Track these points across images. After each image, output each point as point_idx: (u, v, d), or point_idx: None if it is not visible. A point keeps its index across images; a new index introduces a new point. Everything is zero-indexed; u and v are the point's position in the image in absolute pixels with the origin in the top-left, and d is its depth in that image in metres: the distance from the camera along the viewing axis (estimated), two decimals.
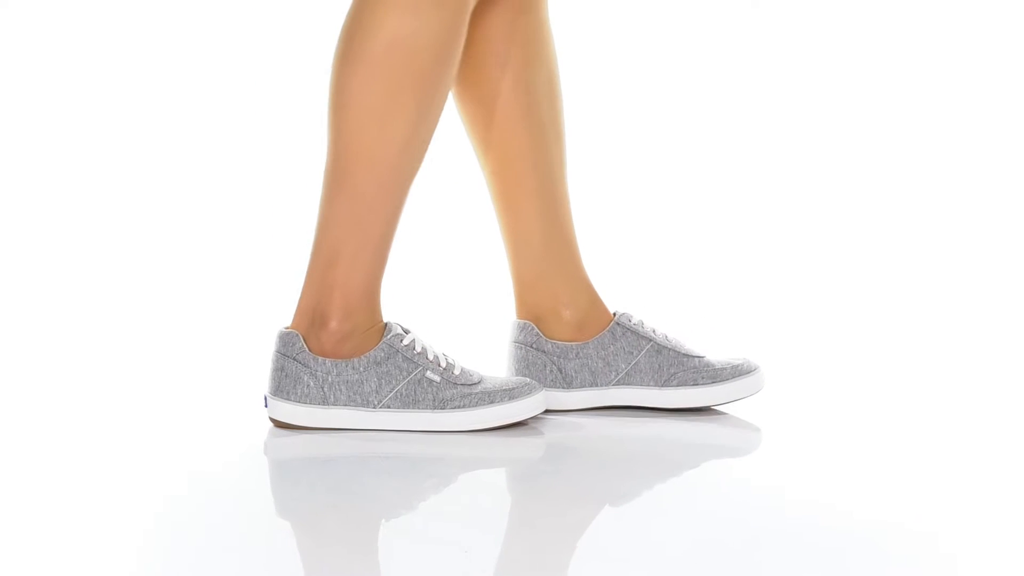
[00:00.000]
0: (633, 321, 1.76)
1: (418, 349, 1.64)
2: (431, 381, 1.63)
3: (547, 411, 1.74)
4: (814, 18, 3.00)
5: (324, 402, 1.63)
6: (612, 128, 2.91)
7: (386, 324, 1.65)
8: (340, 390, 1.62)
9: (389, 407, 1.63)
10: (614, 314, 1.77)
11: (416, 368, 1.63)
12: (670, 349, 1.75)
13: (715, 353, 1.84)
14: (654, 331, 1.76)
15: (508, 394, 1.64)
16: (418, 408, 1.63)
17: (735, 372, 1.74)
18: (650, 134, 2.95)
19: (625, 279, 2.19)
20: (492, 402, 1.64)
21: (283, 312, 1.73)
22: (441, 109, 1.63)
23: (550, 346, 1.75)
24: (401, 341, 1.64)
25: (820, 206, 2.90)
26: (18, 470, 1.52)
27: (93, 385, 1.94)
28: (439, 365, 1.64)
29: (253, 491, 1.44)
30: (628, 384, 1.75)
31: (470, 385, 1.64)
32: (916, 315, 2.48)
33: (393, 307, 1.73)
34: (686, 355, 1.75)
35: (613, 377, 1.75)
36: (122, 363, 2.09)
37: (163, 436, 1.66)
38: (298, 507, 1.39)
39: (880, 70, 2.98)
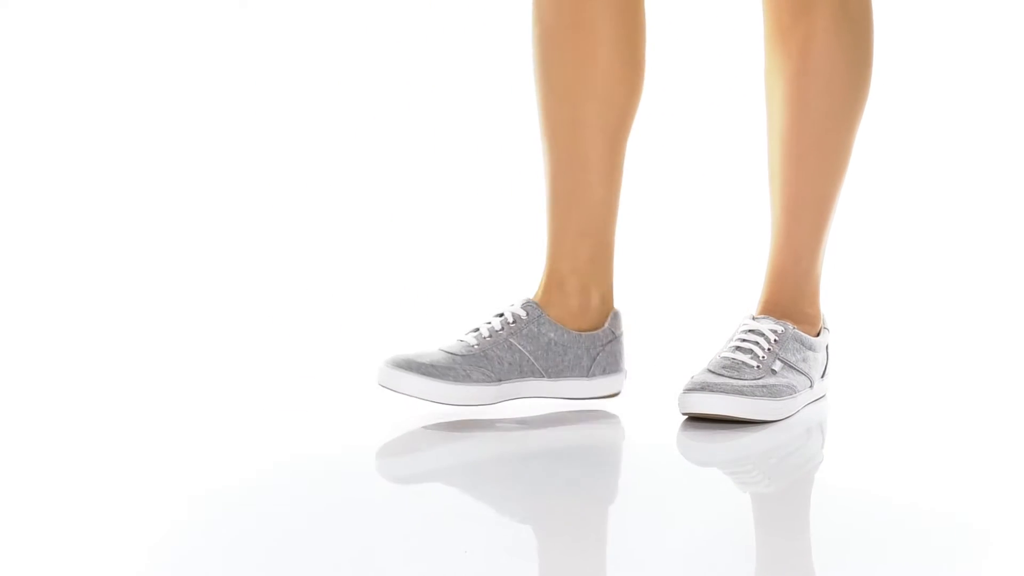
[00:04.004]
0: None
1: None
2: None
3: None
4: None
5: None
6: None
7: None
8: None
9: None
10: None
11: None
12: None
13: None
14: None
15: None
16: None
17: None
18: (647, 138, 2.94)
19: (633, 279, 2.19)
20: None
21: (279, 312, 1.72)
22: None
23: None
24: None
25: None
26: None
27: (95, 386, 1.94)
28: None
29: (253, 493, 1.43)
30: None
31: None
32: (924, 317, 2.48)
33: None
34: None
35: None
36: (123, 363, 2.09)
37: (165, 438, 1.66)
38: (295, 507, 1.39)
39: (882, 70, 2.97)
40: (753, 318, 1.75)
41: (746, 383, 1.66)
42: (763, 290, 1.79)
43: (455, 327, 1.76)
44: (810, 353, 1.75)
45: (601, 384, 1.74)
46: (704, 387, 1.65)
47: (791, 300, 1.77)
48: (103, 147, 2.91)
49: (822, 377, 1.78)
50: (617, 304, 1.77)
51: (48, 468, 1.51)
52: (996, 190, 2.89)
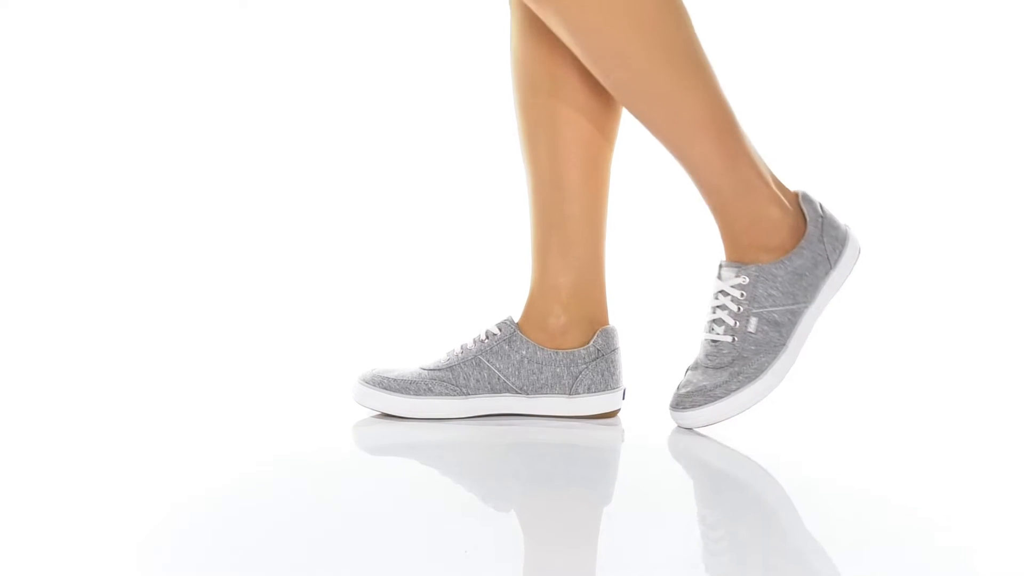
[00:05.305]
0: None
1: None
2: None
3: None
4: (815, 18, 3.00)
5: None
6: None
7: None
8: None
9: None
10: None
11: None
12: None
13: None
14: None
15: None
16: None
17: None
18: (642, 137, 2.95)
19: (629, 278, 2.20)
20: None
21: (278, 312, 1.73)
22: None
23: None
24: None
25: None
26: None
27: (97, 387, 1.94)
28: None
29: (251, 492, 1.44)
30: None
31: None
32: (922, 316, 2.48)
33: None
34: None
35: None
36: (115, 365, 2.09)
37: (168, 439, 1.66)
38: (296, 506, 1.39)
39: (881, 71, 2.98)
40: (720, 270, 1.68)
41: (720, 384, 1.64)
42: (718, 230, 1.70)
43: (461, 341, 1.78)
44: (793, 276, 1.66)
45: (585, 403, 1.72)
46: (683, 405, 1.66)
47: (744, 224, 1.67)
48: (98, 146, 2.91)
49: (842, 252, 1.69)
50: (611, 309, 1.77)
51: (38, 469, 1.52)
52: (993, 190, 2.90)
